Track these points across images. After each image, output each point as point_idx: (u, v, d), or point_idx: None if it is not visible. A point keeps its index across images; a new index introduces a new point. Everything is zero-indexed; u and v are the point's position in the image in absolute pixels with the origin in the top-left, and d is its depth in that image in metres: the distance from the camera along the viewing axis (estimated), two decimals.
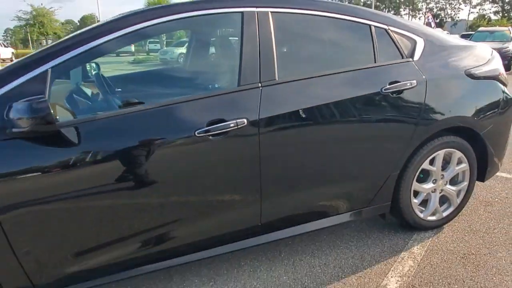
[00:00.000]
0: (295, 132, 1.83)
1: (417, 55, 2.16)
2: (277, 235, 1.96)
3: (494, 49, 10.02)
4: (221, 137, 1.65)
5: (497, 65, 2.45)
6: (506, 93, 2.42)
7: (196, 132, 1.61)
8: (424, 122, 2.09)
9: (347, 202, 2.11)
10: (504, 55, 13.31)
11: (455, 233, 2.38)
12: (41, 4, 45.85)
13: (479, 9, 77.18)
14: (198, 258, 1.82)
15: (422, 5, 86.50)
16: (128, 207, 1.60)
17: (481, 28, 18.52)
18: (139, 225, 1.65)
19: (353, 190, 2.10)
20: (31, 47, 44.47)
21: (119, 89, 2.10)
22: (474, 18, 72.22)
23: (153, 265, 1.73)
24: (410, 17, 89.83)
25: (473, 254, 2.17)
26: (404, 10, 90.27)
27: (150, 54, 44.31)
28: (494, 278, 1.96)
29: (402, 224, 2.39)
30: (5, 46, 32.12)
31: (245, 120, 1.68)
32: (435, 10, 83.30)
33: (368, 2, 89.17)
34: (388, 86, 2.00)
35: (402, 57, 2.14)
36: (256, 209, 1.84)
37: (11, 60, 29.92)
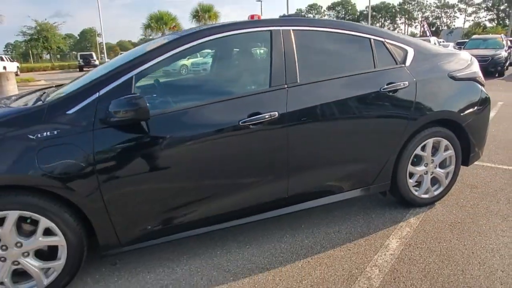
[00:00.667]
0: (314, 122, 2.33)
1: (408, 62, 2.68)
2: (301, 206, 2.44)
3: (488, 55, 10.79)
4: (259, 126, 2.15)
5: (476, 69, 2.95)
6: (483, 92, 2.93)
7: (240, 122, 2.11)
8: (415, 116, 2.60)
9: (357, 180, 2.60)
10: (497, 61, 13.89)
11: (445, 208, 2.87)
12: (45, 19, 46.77)
13: (475, 17, 78.50)
14: (244, 223, 2.30)
15: (418, 14, 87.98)
16: (192, 176, 2.09)
17: (474, 36, 19.14)
18: (199, 193, 2.14)
19: (360, 170, 2.59)
20: (32, 61, 45.27)
21: (176, 91, 2.61)
22: (469, 26, 73.31)
23: (210, 227, 2.22)
24: (406, 25, 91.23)
25: (459, 223, 2.64)
26: (400, 19, 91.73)
27: None
28: (475, 238, 2.43)
29: (400, 201, 2.87)
30: (11, 61, 32.90)
31: (276, 113, 2.18)
32: (430, 18, 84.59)
33: (365, 12, 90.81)
34: (385, 86, 2.51)
35: (396, 63, 2.65)
36: (284, 184, 2.33)
37: (17, 74, 30.68)
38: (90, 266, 2.21)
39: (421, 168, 2.78)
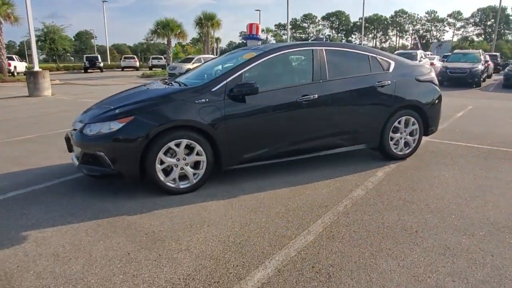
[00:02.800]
0: (335, 102, 4.06)
1: (391, 69, 4.44)
2: (328, 151, 4.16)
3: (466, 68, 13.14)
4: (307, 102, 3.87)
5: (433, 75, 4.74)
6: (437, 89, 4.71)
7: (297, 99, 3.83)
8: (394, 101, 4.34)
9: (359, 139, 4.32)
10: (474, 73, 15.90)
11: (412, 161, 4.61)
12: (52, 21, 48.00)
13: (463, 31, 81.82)
14: (299, 158, 4.01)
15: (409, 27, 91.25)
16: (274, 126, 3.78)
17: (456, 51, 21.23)
18: (278, 138, 3.83)
19: (361, 133, 4.31)
20: (26, 62, 46.65)
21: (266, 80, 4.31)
22: (458, 40, 76.34)
23: (286, 159, 3.93)
24: (398, 37, 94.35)
25: (420, 167, 4.38)
26: (391, 31, 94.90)
27: (153, 69, 45.79)
28: (428, 174, 4.16)
29: (384, 155, 4.59)
30: (20, 61, 34.26)
31: (316, 95, 3.91)
32: (421, 31, 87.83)
33: (358, 23, 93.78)
34: (377, 83, 4.26)
35: (383, 70, 4.41)
36: (319, 137, 4.05)
37: (24, 74, 32.07)
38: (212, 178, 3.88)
39: (397, 135, 4.52)
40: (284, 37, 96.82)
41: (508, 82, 15.78)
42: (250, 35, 45.26)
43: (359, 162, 4.58)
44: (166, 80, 4.66)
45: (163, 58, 48.69)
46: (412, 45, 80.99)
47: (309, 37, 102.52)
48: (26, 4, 13.75)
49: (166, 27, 32.19)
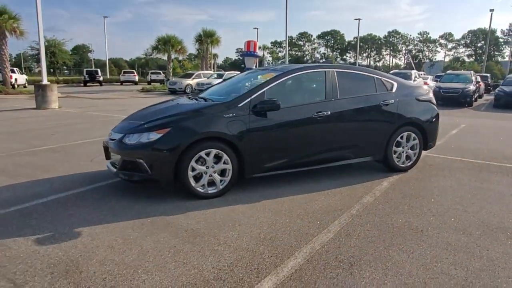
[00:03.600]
0: (346, 119, 4.53)
1: (394, 90, 4.94)
2: (337, 163, 4.60)
3: (459, 88, 13.87)
4: (321, 118, 4.33)
5: (431, 95, 5.25)
6: (435, 108, 5.21)
7: (312, 115, 4.29)
8: (397, 119, 4.83)
9: (365, 152, 4.78)
10: (466, 93, 16.62)
11: (413, 172, 5.06)
12: (53, 36, 48.60)
13: (454, 52, 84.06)
14: (313, 168, 4.45)
15: (402, 47, 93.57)
16: (293, 140, 4.23)
17: (449, 71, 22.12)
18: (295, 149, 4.27)
19: (368, 147, 4.77)
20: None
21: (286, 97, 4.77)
22: (449, 60, 78.36)
23: (300, 169, 4.35)
24: (391, 57, 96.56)
25: (421, 178, 4.83)
26: (385, 51, 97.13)
27: (152, 83, 46.23)
28: (429, 183, 4.61)
29: (388, 167, 5.04)
30: (20, 73, 34.68)
31: (329, 112, 4.37)
32: (414, 51, 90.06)
33: (353, 42, 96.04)
34: (382, 102, 4.75)
35: (387, 90, 4.91)
36: (330, 149, 4.50)
37: (25, 86, 32.46)
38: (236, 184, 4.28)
39: (400, 149, 4.99)
40: (280, 54, 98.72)
41: (498, 102, 16.50)
42: (248, 52, 46.15)
43: (364, 173, 5.02)
44: (190, 96, 5.11)
45: (161, 73, 49.49)
46: (405, 65, 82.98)
47: (305, 55, 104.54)
48: (38, 19, 14.31)
49: (167, 43, 32.96)
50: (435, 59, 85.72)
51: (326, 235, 3.14)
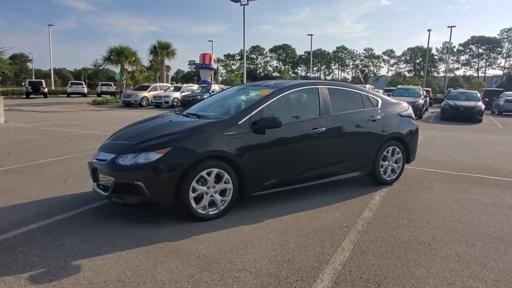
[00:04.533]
0: (338, 134, 4.60)
1: (379, 106, 5.13)
2: (330, 179, 4.64)
3: (408, 102, 14.04)
4: (316, 134, 4.36)
5: (411, 111, 5.53)
6: (415, 123, 5.49)
7: (309, 132, 4.31)
8: (384, 133, 5.01)
9: (354, 168, 4.88)
10: (416, 107, 17.76)
11: (398, 185, 5.25)
12: None
13: (396, 67, 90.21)
14: (309, 184, 4.43)
15: (349, 62, 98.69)
16: (291, 157, 4.19)
17: (399, 86, 23.66)
18: (293, 166, 4.24)
19: (357, 162, 4.88)
20: None
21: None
22: (392, 75, 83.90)
23: (297, 185, 4.32)
24: (339, 71, 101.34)
25: (406, 190, 5.02)
26: (334, 65, 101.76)
27: (102, 95, 44.45)
28: (414, 195, 4.81)
29: (375, 181, 5.19)
30: None
31: (324, 128, 4.42)
32: (360, 66, 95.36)
33: (304, 57, 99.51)
34: (370, 118, 4.91)
35: (373, 106, 5.08)
36: (324, 165, 4.53)
37: None
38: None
39: (386, 163, 5.16)
40: (234, 67, 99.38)
41: (444, 115, 17.86)
42: (203, 64, 46.13)
43: (352, 188, 5.11)
44: (177, 112, 4.91)
45: (112, 85, 47.50)
46: (353, 79, 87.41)
47: (257, 68, 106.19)
48: None
49: (120, 54, 31.78)
50: (380, 73, 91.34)
51: (343, 254, 3.12)
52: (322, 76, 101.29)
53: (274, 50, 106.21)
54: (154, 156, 3.56)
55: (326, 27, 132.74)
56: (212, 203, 3.83)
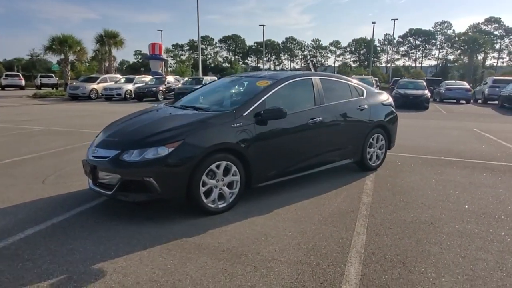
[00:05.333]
0: (332, 123, 4.75)
1: (364, 95, 5.36)
2: (325, 167, 4.79)
3: None
4: (314, 124, 4.46)
5: (391, 100, 5.83)
6: (395, 112, 5.81)
7: (307, 122, 4.40)
8: (370, 122, 5.25)
9: (345, 155, 5.08)
10: None
11: (382, 170, 5.56)
12: None
13: (342, 58, 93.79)
14: (309, 173, 4.54)
15: (298, 52, 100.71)
16: (292, 147, 4.26)
17: (354, 76, 24.64)
18: (293, 156, 4.31)
19: (348, 150, 5.08)
20: None
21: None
22: (339, 65, 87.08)
23: (297, 174, 4.39)
24: (289, 61, 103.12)
25: (391, 175, 5.33)
26: (283, 56, 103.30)
27: (42, 88, 41.74)
28: (399, 177, 5.13)
29: (362, 167, 5.44)
30: None
31: (320, 118, 4.54)
32: (309, 56, 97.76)
33: (253, 47, 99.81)
34: (358, 107, 5.12)
35: (359, 96, 5.30)
36: (320, 152, 4.66)
37: None
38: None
39: (372, 149, 5.43)
40: (183, 57, 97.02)
41: (396, 103, 18.75)
42: (152, 54, 44.46)
43: (342, 175, 5.31)
44: (169, 105, 4.75)
45: (54, 76, 44.22)
46: (302, 69, 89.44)
47: (207, 59, 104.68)
48: None
49: (63, 43, 29.60)
50: (327, 63, 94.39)
51: (360, 237, 3.27)
52: (272, 66, 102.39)
53: (223, 40, 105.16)
54: (164, 150, 3.43)
55: (273, 18, 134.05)
56: (221, 196, 3.79)
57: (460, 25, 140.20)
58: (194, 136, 3.58)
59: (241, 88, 4.78)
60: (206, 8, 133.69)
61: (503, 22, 77.05)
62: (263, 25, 52.64)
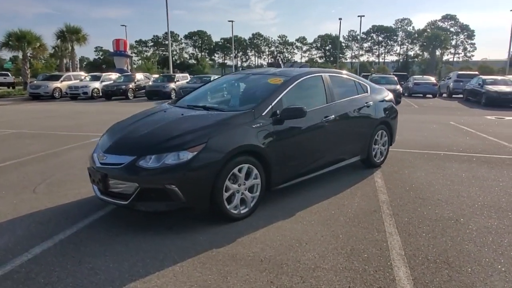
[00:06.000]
0: (343, 120, 4.66)
1: (369, 92, 5.33)
2: (337, 165, 4.71)
3: None
4: (328, 122, 4.35)
5: (391, 96, 5.84)
6: (395, 108, 5.83)
7: (322, 120, 4.28)
8: (376, 118, 5.23)
9: (354, 153, 5.01)
10: None
11: (386, 167, 5.56)
12: None
13: (309, 54, 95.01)
14: (316, 175, 4.42)
15: (265, 48, 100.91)
16: (308, 146, 4.12)
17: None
18: (309, 156, 4.17)
19: (356, 147, 5.02)
20: None
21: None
22: (305, 61, 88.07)
23: (311, 175, 4.26)
24: (256, 57, 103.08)
25: (399, 172, 5.35)
26: (250, 52, 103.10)
27: None
28: (406, 170, 5.14)
29: (367, 164, 5.41)
30: None
31: (333, 116, 4.43)
32: (275, 52, 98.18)
33: (220, 43, 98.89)
34: (365, 104, 5.07)
35: (365, 92, 5.26)
36: (333, 152, 4.57)
37: None
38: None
39: (376, 146, 5.42)
40: (148, 54, 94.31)
41: None
42: (117, 51, 42.78)
43: (348, 173, 5.24)
44: (172, 104, 4.47)
45: (9, 74, 41.44)
46: (270, 65, 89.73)
47: (173, 55, 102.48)
48: None
49: (21, 39, 27.69)
50: (294, 59, 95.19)
51: (394, 238, 3.20)
52: (239, 62, 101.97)
53: (189, 36, 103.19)
54: (186, 155, 3.17)
55: (238, 14, 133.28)
56: (242, 201, 3.59)
57: (419, 22, 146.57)
58: (217, 138, 3.35)
59: (251, 86, 4.57)
60: (171, 3, 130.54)
61: (458, 19, 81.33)
62: (232, 21, 52.08)
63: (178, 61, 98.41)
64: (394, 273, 2.65)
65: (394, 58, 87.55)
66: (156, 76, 28.33)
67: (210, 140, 3.29)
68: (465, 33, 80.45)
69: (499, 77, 20.13)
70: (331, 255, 2.91)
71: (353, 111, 4.85)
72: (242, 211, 3.57)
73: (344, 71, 5.54)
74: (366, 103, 5.11)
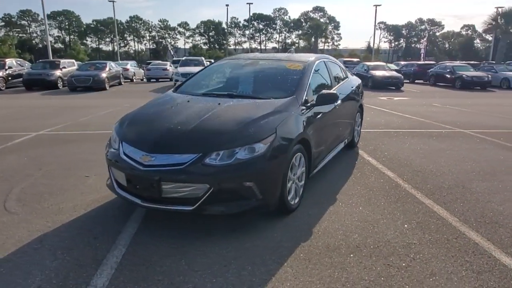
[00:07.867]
0: (344, 105, 4.84)
1: (349, 76, 5.65)
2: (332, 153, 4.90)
3: None
4: (338, 106, 4.47)
5: (360, 80, 6.29)
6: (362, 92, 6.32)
7: (335, 104, 4.38)
8: (357, 101, 5.60)
9: (345, 136, 5.27)
10: None
11: (363, 141, 6.03)
12: None
13: (192, 40, 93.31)
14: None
15: (145, 33, 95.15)
16: (327, 130, 4.16)
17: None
18: (327, 140, 4.23)
19: (347, 131, 5.29)
20: None
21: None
22: (190, 47, 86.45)
23: (325, 161, 4.33)
24: (135, 42, 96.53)
25: (372, 146, 5.84)
26: (129, 36, 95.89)
27: None
28: (382, 144, 5.68)
29: (351, 146, 5.76)
30: None
31: (340, 100, 4.58)
32: (157, 38, 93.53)
33: (92, 26, 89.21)
34: (352, 88, 5.37)
35: (346, 77, 5.55)
36: (336, 136, 4.74)
37: None
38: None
39: (357, 128, 5.81)
40: None
41: None
42: None
43: (341, 162, 5.50)
44: (179, 93, 3.99)
45: None
46: (151, 51, 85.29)
47: (32, 38, 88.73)
48: None
49: None
50: (177, 45, 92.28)
51: (436, 207, 3.55)
52: (116, 48, 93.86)
53: (52, 16, 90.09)
54: (260, 147, 2.90)
55: None
56: (295, 191, 3.47)
57: (293, 12, 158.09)
58: (282, 127, 3.13)
59: (271, 73, 4.32)
60: None
61: (326, 11, 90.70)
62: (113, 1, 46.86)
63: (40, 45, 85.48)
64: (470, 237, 2.97)
65: (275, 45, 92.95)
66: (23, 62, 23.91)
67: (278, 130, 3.07)
68: (332, 24, 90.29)
69: (379, 64, 23.37)
70: (408, 231, 3.08)
71: (347, 95, 5.09)
72: (296, 202, 3.46)
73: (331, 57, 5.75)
74: (352, 87, 5.41)
